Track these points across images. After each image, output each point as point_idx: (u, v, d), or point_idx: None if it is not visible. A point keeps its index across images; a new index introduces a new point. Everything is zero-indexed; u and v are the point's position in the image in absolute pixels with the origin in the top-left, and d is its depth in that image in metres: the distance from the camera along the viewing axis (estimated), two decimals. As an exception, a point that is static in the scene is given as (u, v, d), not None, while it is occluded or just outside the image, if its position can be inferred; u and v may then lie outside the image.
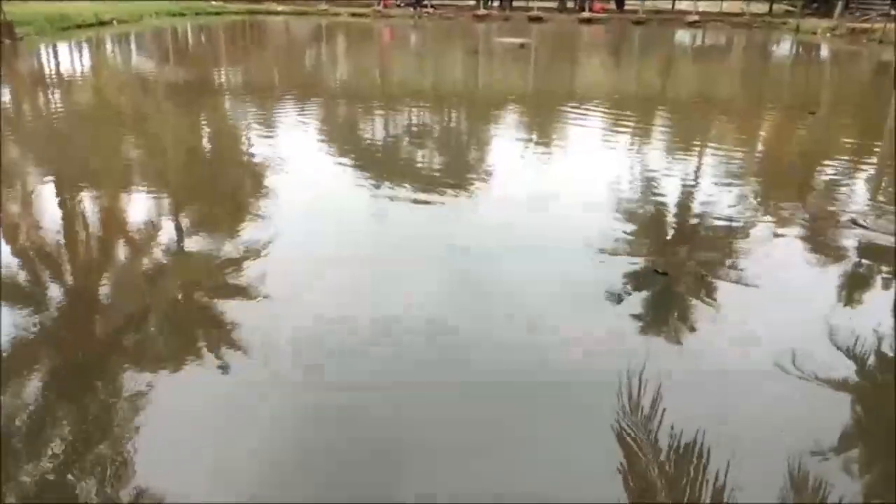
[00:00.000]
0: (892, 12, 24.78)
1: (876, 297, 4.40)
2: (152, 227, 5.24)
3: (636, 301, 4.25)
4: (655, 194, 6.42)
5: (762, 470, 2.80)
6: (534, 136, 9.29)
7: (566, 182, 6.88)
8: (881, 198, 6.67)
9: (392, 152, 8.31)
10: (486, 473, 2.78)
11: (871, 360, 3.66)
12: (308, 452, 2.89)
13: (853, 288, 4.53)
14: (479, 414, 3.15)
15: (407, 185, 6.51)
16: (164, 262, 4.71)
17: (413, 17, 29.68)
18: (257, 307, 4.07)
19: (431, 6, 30.96)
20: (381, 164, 7.50)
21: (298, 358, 3.52)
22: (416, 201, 6.10)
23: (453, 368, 3.51)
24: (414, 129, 9.67)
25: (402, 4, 31.27)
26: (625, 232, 5.37)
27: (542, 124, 10.15)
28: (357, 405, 3.18)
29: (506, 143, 8.77)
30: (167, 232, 5.20)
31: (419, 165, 7.70)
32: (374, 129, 9.69)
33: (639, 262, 4.80)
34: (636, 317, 4.06)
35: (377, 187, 6.53)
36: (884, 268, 4.81)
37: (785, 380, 3.42)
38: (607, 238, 5.17)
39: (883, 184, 7.31)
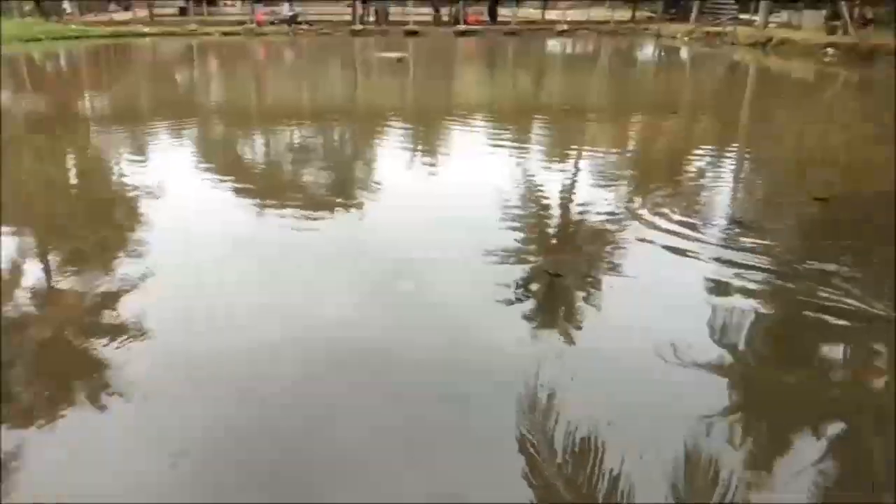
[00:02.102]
0: (739, 16, 26.93)
1: (744, 288, 4.67)
2: (15, 269, 4.85)
3: (531, 304, 4.34)
4: (540, 198, 6.60)
5: (657, 456, 2.91)
6: (419, 149, 9.35)
7: (454, 192, 6.95)
8: (752, 194, 7.18)
9: (275, 172, 8.13)
10: (389, 485, 2.74)
11: (742, 345, 3.90)
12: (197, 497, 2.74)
13: (723, 281, 4.79)
14: (380, 422, 3.11)
15: (293, 205, 6.38)
16: (30, 305, 4.35)
17: (288, 33, 29.23)
18: (134, 345, 3.83)
19: (306, 22, 30.62)
20: (264, 185, 7.31)
21: (184, 393, 3.34)
22: (306, 218, 5.99)
23: (352, 384, 3.45)
24: (296, 147, 9.50)
25: (276, 21, 30.72)
26: (515, 238, 5.48)
27: (426, 136, 10.23)
28: (254, 438, 3.05)
29: (391, 156, 8.77)
30: (33, 273, 4.82)
31: (304, 184, 7.55)
32: (255, 150, 9.45)
33: (530, 265, 4.91)
34: (531, 319, 4.15)
35: (261, 208, 6.35)
36: (752, 262, 5.15)
37: (667, 367, 3.58)
38: (498, 244, 5.25)
39: (748, 178, 7.88)
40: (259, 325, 4.01)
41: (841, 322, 4.03)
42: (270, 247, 5.33)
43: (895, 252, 5.07)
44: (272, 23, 30.63)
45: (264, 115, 12.31)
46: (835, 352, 3.92)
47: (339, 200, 6.64)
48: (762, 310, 4.25)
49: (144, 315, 4.11)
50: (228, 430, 3.09)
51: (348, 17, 31.59)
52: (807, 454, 2.95)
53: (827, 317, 4.10)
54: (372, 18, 32.73)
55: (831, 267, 4.78)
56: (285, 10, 30.84)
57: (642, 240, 5.33)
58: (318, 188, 7.31)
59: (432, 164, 8.33)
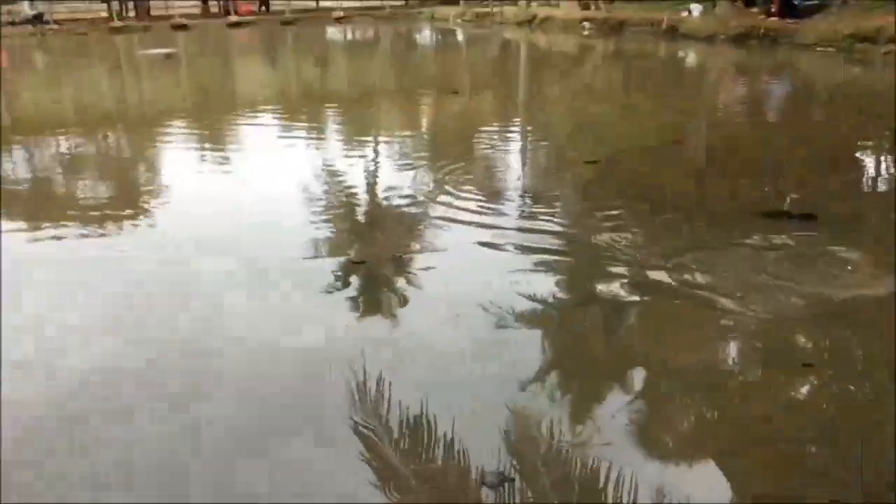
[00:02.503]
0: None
1: (541, 261, 5.04)
2: None
3: (344, 295, 4.37)
4: (343, 188, 6.61)
5: (485, 421, 3.10)
6: (208, 148, 8.90)
7: (252, 190, 6.73)
8: (535, 164, 7.73)
9: (45, 188, 7.32)
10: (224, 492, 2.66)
11: (544, 308, 4.20)
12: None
13: (520, 251, 5.14)
14: (209, 431, 3.00)
15: (72, 222, 5.81)
16: None
17: (35, 34, 26.13)
18: None
19: (55, 22, 27.53)
20: (34, 205, 6.57)
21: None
22: (86, 236, 5.49)
23: (169, 400, 3.27)
24: (66, 159, 8.61)
25: (18, 22, 27.33)
26: (319, 230, 5.45)
27: (214, 135, 9.75)
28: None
29: (179, 161, 8.26)
30: None
31: (83, 198, 6.89)
32: (14, 166, 8.42)
33: (337, 257, 4.92)
34: (346, 309, 4.18)
35: (35, 230, 5.71)
36: (542, 228, 5.56)
37: (481, 340, 3.80)
38: (304, 239, 5.20)
39: (531, 150, 8.47)
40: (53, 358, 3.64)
41: (622, 283, 4.52)
42: (50, 268, 4.82)
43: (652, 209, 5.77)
44: (12, 23, 27.17)
45: (20, 126, 10.97)
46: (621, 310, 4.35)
47: (125, 210, 6.14)
48: (557, 280, 4.62)
49: None
50: None
51: (105, 14, 29.00)
52: (615, 402, 3.29)
53: (612, 275, 4.59)
54: (132, 14, 30.35)
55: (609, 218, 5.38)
56: (25, 8, 27.55)
57: (443, 218, 5.56)
58: (99, 201, 6.70)
59: (226, 165, 7.98)
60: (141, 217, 5.99)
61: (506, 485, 2.72)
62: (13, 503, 2.15)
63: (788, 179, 6.58)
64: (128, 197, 6.75)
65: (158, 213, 6.09)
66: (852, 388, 3.40)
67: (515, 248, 4.97)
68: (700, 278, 4.35)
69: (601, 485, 2.72)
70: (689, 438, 3.12)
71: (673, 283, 4.30)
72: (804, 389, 3.41)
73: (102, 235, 5.55)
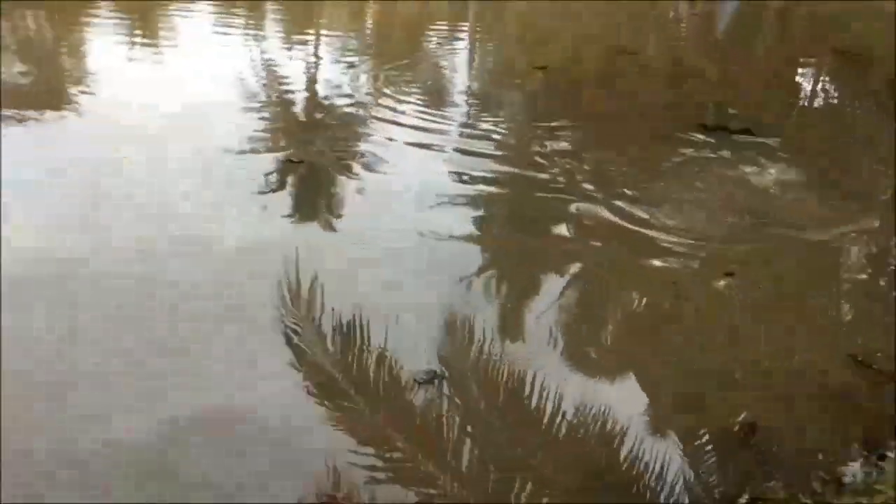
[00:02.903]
0: None
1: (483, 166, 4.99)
2: None
3: (281, 195, 4.27)
4: (281, 84, 6.35)
5: (421, 321, 3.14)
6: (138, 37, 8.34)
7: (185, 83, 6.38)
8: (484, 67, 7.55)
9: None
10: (167, 394, 2.68)
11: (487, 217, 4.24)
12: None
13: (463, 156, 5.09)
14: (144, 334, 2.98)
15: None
16: None
17: None
18: None
19: None
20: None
21: None
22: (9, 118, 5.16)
23: (105, 300, 3.21)
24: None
25: None
26: (257, 128, 5.26)
27: (143, 24, 9.12)
28: None
29: (107, 47, 7.72)
30: None
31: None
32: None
33: (275, 155, 4.78)
34: (283, 210, 4.10)
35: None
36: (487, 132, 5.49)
37: (422, 241, 3.81)
38: (241, 136, 5.02)
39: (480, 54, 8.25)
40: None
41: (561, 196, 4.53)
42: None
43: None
44: None
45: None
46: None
47: (46, 98, 5.76)
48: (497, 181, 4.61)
49: None
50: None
51: None
52: (547, 298, 3.38)
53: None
54: None
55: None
56: None
57: (384, 119, 5.43)
58: (18, 87, 6.25)
59: (158, 54, 7.51)
60: (64, 103, 5.64)
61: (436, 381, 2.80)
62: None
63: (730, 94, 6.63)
64: (51, 82, 6.33)
65: (84, 100, 5.75)
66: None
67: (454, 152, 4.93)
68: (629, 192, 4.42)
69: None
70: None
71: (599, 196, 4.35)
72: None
73: (22, 120, 5.22)
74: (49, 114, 5.42)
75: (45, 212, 3.93)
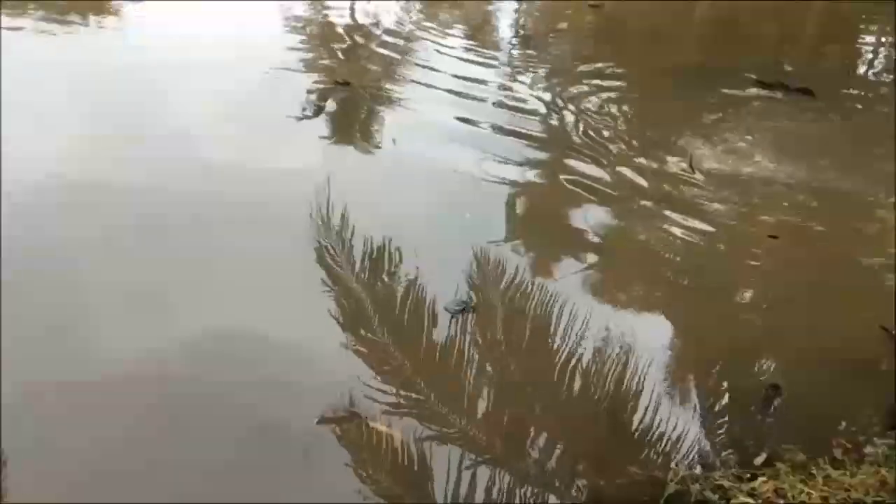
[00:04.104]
0: None
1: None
2: None
3: (323, 115, 4.26)
4: (325, 10, 6.20)
5: (449, 257, 3.12)
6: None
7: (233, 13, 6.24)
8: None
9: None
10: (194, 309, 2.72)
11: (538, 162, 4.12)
12: None
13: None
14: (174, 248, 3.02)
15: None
16: None
17: None
18: None
19: None
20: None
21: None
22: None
23: (134, 207, 3.25)
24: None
25: None
26: (299, 47, 5.18)
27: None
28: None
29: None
30: None
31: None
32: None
33: (318, 76, 4.72)
34: (323, 131, 4.10)
35: None
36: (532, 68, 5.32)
37: (459, 178, 3.74)
38: (283, 53, 4.95)
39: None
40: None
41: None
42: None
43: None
44: None
45: None
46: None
47: (93, 12, 5.70)
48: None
49: None
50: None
51: None
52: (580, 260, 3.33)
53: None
54: None
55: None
56: None
57: (441, 55, 5.31)
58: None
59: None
60: (110, 18, 5.59)
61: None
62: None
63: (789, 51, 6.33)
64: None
65: (130, 14, 5.69)
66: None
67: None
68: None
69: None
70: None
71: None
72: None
73: (68, 34, 5.20)
74: (93, 26, 5.39)
75: (81, 120, 3.95)
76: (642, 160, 4.08)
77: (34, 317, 2.61)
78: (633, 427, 2.49)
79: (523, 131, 4.30)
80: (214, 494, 2.04)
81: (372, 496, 2.14)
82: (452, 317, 2.77)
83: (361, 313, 2.79)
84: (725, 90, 5.09)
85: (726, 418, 2.60)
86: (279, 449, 2.23)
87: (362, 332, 2.72)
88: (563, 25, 6.51)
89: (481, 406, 2.49)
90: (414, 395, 2.48)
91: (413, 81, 4.84)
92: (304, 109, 4.25)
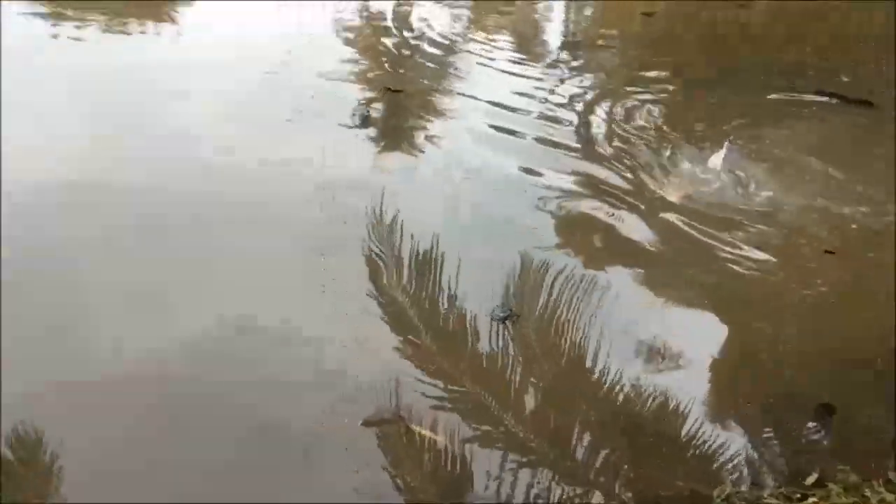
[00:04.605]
0: None
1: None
2: None
3: (374, 121, 4.31)
4: (374, 19, 6.25)
5: (492, 261, 3.12)
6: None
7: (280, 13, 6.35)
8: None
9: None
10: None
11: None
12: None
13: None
14: (228, 248, 3.09)
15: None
16: None
17: None
18: None
19: None
20: None
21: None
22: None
23: (182, 207, 3.34)
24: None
25: None
26: (348, 59, 5.24)
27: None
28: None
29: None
30: None
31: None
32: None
33: (369, 84, 4.78)
34: (373, 136, 4.15)
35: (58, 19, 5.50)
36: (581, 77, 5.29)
37: (504, 186, 3.74)
38: (333, 63, 5.02)
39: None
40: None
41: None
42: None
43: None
44: None
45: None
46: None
47: (150, 15, 5.86)
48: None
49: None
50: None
51: None
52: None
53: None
54: None
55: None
56: None
57: (481, 64, 5.33)
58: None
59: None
60: (165, 22, 5.75)
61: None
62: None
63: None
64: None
65: (186, 18, 5.85)
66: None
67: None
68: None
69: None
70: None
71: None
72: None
73: (123, 33, 5.38)
74: (150, 29, 5.56)
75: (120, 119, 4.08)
76: (690, 169, 4.02)
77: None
78: (680, 439, 2.45)
79: (567, 142, 4.27)
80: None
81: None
82: (496, 323, 2.76)
83: (407, 318, 2.80)
84: (777, 95, 4.96)
85: (776, 435, 2.54)
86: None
87: (409, 335, 2.74)
88: (613, 32, 6.43)
89: (524, 412, 2.48)
90: (461, 392, 2.47)
91: (458, 92, 4.85)
92: (353, 116, 4.30)
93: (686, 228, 3.51)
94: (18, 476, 2.14)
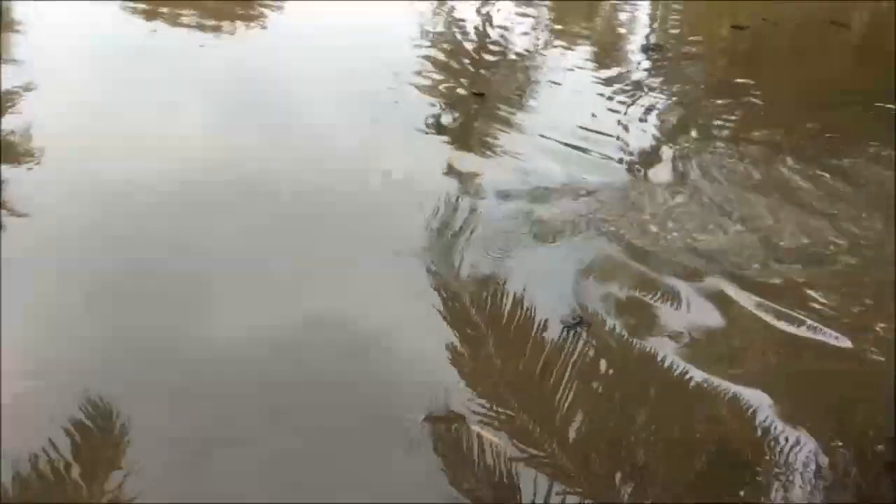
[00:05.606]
0: None
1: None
2: None
3: (452, 124, 4.36)
4: (457, 23, 6.28)
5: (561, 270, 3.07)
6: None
7: (366, 15, 6.43)
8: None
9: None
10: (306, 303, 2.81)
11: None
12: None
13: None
14: (300, 244, 3.13)
15: (190, 11, 5.77)
16: None
17: None
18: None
19: None
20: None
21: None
22: (202, 27, 5.49)
23: (263, 204, 3.40)
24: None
25: None
26: (433, 62, 5.27)
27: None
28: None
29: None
30: None
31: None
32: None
33: (453, 87, 4.83)
34: (449, 138, 4.19)
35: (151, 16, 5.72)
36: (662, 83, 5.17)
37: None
38: (416, 67, 5.07)
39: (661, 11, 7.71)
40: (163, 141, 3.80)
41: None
42: (162, 54, 4.92)
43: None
44: None
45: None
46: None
47: (240, 11, 6.05)
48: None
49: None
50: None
51: None
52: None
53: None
54: None
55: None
56: None
57: (568, 69, 5.28)
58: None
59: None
60: (255, 19, 5.92)
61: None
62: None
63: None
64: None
65: (273, 19, 6.00)
66: None
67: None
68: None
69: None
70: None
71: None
72: None
73: (216, 30, 5.54)
74: (240, 25, 5.72)
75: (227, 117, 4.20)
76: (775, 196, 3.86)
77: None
78: (743, 470, 2.33)
79: (637, 159, 4.18)
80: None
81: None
82: (566, 330, 2.71)
83: (469, 320, 2.78)
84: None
85: (850, 471, 2.39)
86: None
87: (469, 338, 2.71)
88: (699, 49, 6.25)
89: (572, 433, 2.40)
90: (507, 412, 2.41)
91: (533, 106, 4.83)
92: (427, 119, 4.32)
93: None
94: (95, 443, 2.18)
